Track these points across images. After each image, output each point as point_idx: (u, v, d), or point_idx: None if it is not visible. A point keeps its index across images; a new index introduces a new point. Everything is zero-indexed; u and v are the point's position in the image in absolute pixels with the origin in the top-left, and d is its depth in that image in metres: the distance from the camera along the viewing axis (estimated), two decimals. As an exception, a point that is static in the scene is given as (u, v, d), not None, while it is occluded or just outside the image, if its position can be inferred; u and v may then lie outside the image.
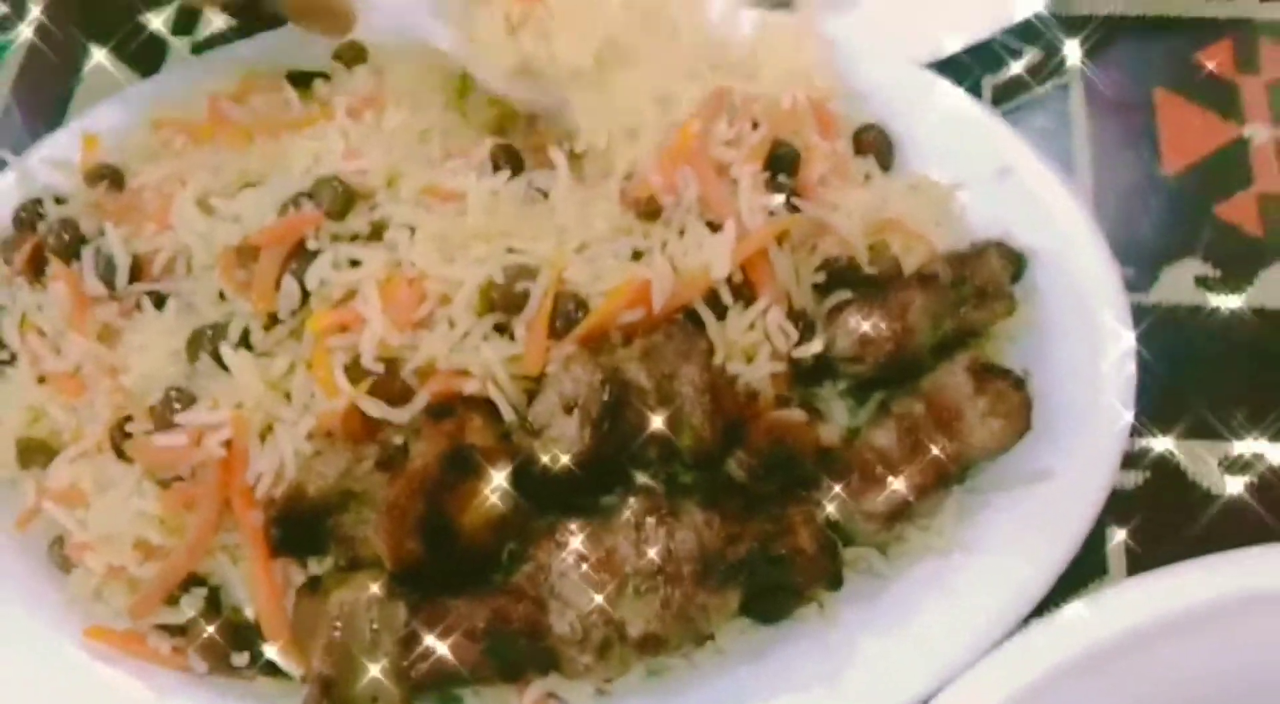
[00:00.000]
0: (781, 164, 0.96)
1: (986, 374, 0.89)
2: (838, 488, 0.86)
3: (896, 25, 1.12)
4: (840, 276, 0.92)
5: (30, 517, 0.91)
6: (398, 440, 0.84)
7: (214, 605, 0.86)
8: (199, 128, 1.04)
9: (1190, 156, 1.11)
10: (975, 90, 1.13)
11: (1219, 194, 1.09)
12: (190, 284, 0.93)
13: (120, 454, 0.89)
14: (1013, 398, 0.88)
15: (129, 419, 0.90)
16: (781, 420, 0.87)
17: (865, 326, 0.89)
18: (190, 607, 0.86)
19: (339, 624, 0.80)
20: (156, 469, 0.88)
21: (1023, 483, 0.89)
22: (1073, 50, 1.16)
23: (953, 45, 1.10)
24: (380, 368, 0.86)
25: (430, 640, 0.79)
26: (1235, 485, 0.96)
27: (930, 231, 0.98)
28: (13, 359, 0.97)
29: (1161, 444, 0.97)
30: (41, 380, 0.95)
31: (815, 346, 0.89)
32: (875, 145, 1.03)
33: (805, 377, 0.90)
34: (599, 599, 0.81)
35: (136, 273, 0.95)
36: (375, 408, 0.85)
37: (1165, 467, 0.97)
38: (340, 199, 0.91)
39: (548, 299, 0.87)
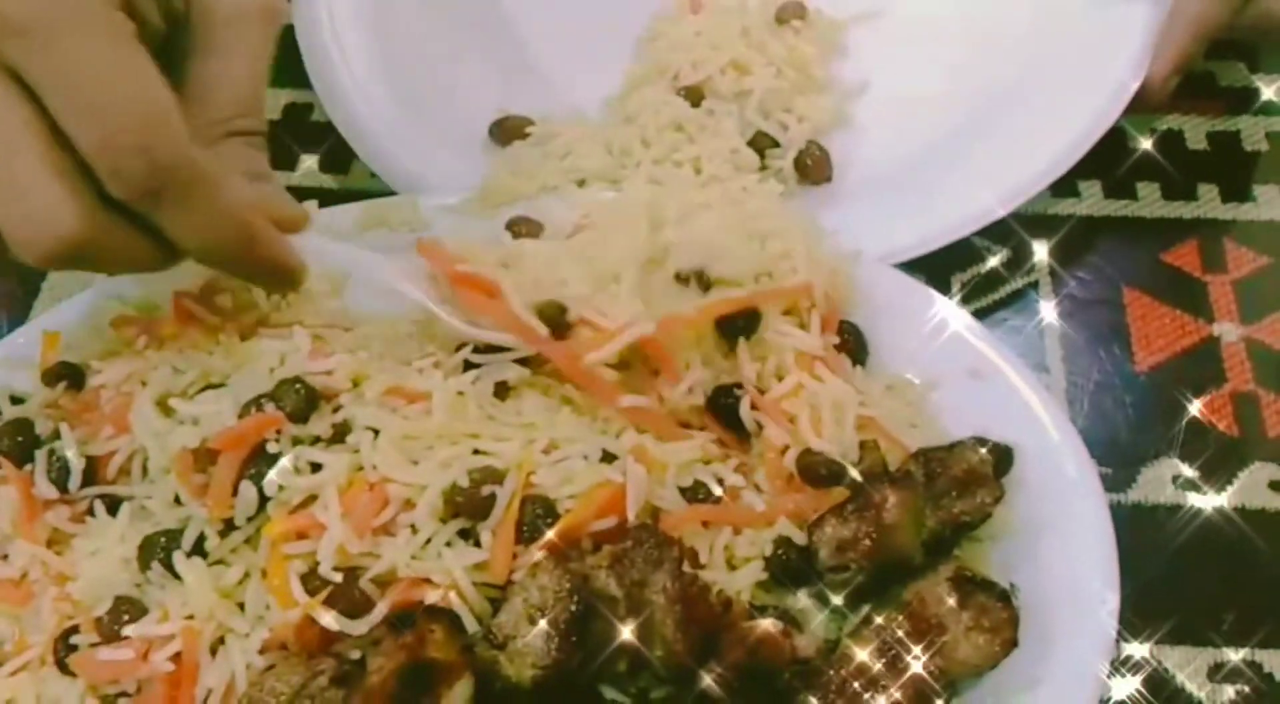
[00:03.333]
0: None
1: (971, 587, 0.86)
2: (816, 702, 0.83)
3: (868, 225, 1.12)
4: (824, 478, 0.90)
5: (-36, 735, 0.87)
6: (355, 654, 0.81)
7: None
8: (162, 326, 1.02)
9: (1161, 355, 1.11)
10: (945, 289, 1.13)
11: (1193, 393, 1.08)
12: (146, 488, 0.90)
13: (63, 668, 0.85)
14: (999, 613, 0.85)
15: (75, 630, 0.86)
16: (756, 631, 0.83)
17: (843, 533, 0.87)
18: None
19: None
20: (101, 684, 0.84)
21: (1008, 695, 0.86)
22: (1041, 250, 1.17)
23: (926, 246, 1.10)
24: (338, 577, 0.83)
25: None
26: (1226, 693, 0.93)
27: (905, 433, 0.96)
28: (-44, 565, 0.93)
29: (1148, 651, 0.95)
30: None
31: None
32: (849, 344, 1.02)
33: (784, 582, 0.87)
34: (566, 825, 0.77)
35: (91, 476, 0.92)
36: (332, 620, 0.81)
37: (1153, 676, 0.94)
38: (302, 401, 0.89)
39: (514, 504, 0.85)
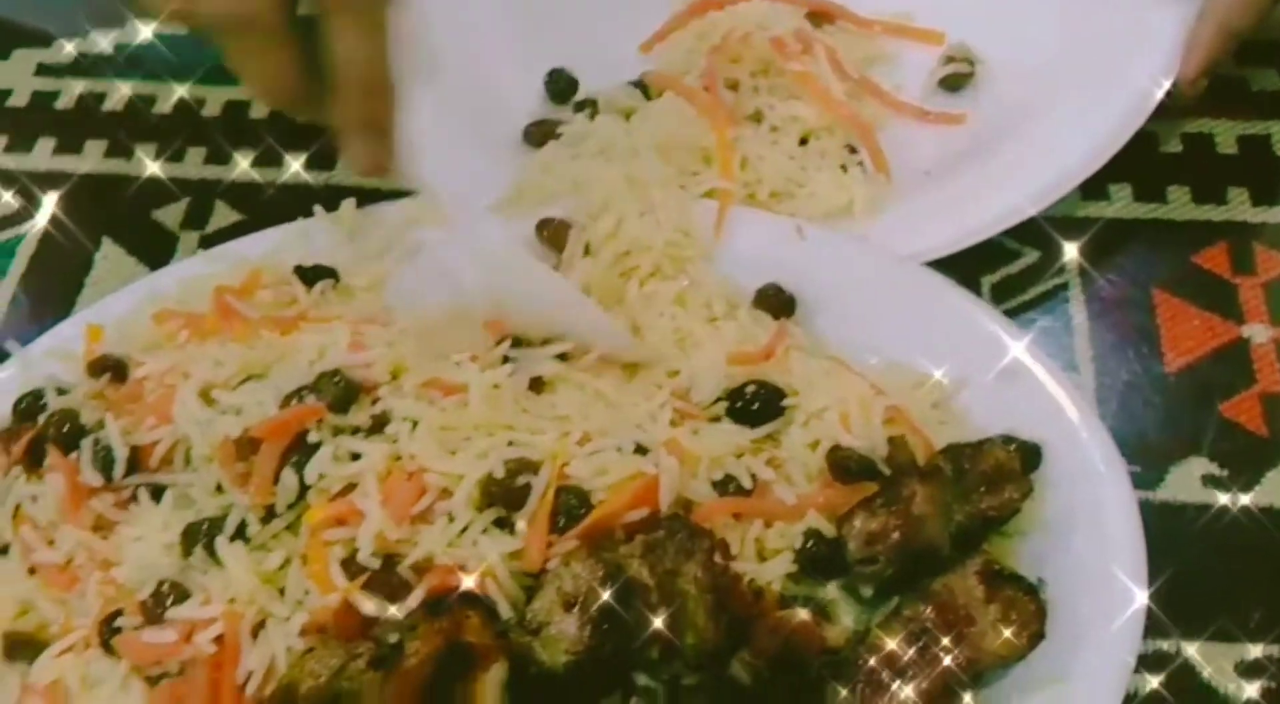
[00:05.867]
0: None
1: (999, 580, 0.87)
2: (845, 692, 0.84)
3: (898, 225, 1.14)
4: (853, 473, 0.92)
5: (11, 714, 0.89)
6: (392, 638, 0.82)
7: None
8: (203, 321, 1.04)
9: (1191, 356, 1.11)
10: (974, 289, 1.14)
11: (1221, 393, 1.08)
12: (188, 476, 0.92)
13: (108, 649, 0.87)
14: (1026, 606, 0.86)
15: (119, 613, 0.88)
16: (787, 621, 0.85)
17: (872, 525, 0.88)
18: (172, 811, 0.83)
19: (327, 822, 0.77)
20: (144, 665, 0.86)
21: (1034, 688, 0.86)
22: (1071, 251, 1.17)
23: (955, 246, 1.11)
24: (377, 563, 0.84)
25: None
26: (1252, 690, 0.93)
27: (934, 430, 0.97)
28: (4, 550, 0.96)
29: (1175, 647, 0.95)
30: (32, 572, 0.93)
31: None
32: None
33: (814, 573, 0.88)
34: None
35: (134, 464, 0.94)
36: (370, 605, 0.83)
37: (1180, 671, 0.94)
38: (342, 393, 0.91)
39: (549, 494, 0.86)
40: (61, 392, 1.01)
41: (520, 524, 0.86)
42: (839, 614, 0.89)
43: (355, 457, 0.89)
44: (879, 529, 0.88)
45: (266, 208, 1.26)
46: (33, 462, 0.97)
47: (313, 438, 0.89)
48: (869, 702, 0.84)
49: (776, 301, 1.07)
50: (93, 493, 0.94)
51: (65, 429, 0.96)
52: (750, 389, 0.97)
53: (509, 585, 0.85)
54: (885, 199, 1.19)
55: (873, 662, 0.85)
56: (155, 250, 1.27)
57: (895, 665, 0.85)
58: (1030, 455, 0.95)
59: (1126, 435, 1.03)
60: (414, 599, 0.83)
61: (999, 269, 1.17)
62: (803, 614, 0.85)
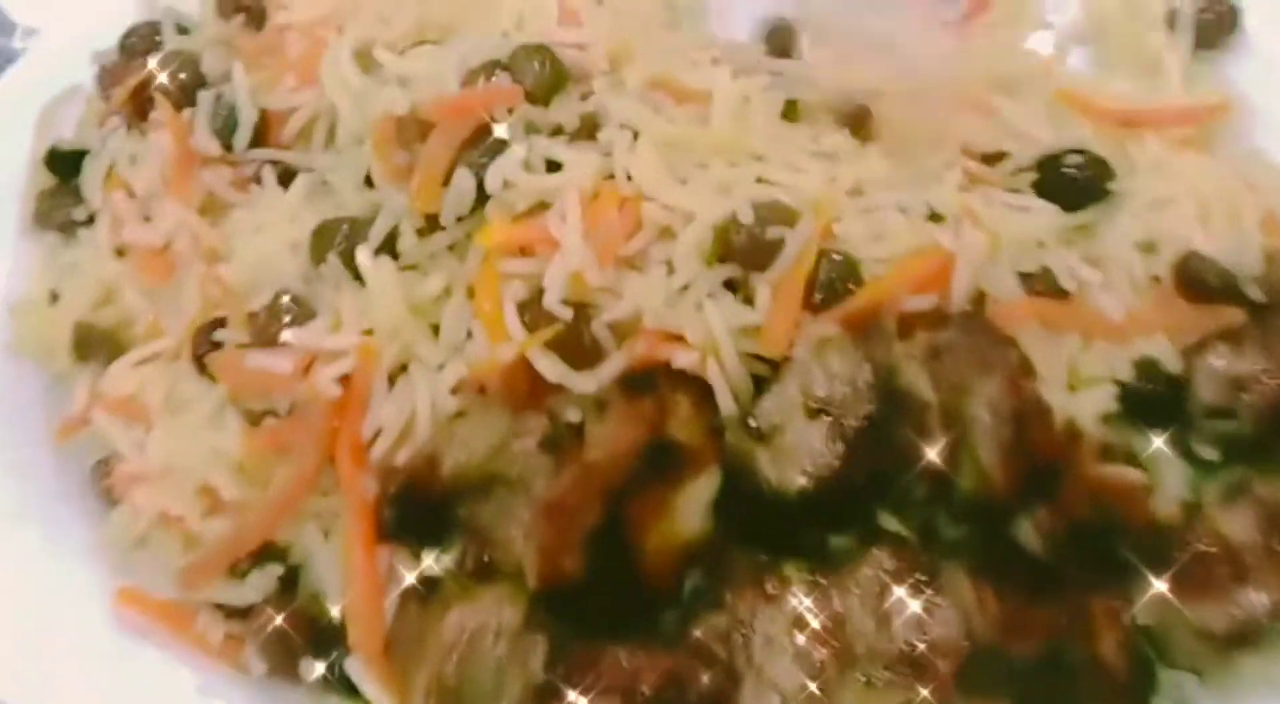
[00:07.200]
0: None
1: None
2: (1165, 584, 0.63)
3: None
4: (1211, 290, 0.69)
5: (74, 427, 0.74)
6: (574, 416, 0.65)
7: (289, 590, 0.68)
8: (369, -33, 0.83)
9: None
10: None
11: None
12: (330, 159, 0.74)
13: (202, 367, 0.70)
14: None
15: (221, 322, 0.71)
16: (1111, 479, 0.63)
17: (1238, 365, 0.66)
18: (259, 586, 0.67)
19: (455, 652, 0.62)
20: (245, 396, 0.69)
21: None
22: None
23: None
24: (568, 313, 0.65)
25: (574, 698, 0.62)
26: None
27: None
28: (90, 220, 0.79)
29: None
30: (121, 253, 0.77)
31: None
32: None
33: (1141, 417, 0.67)
34: (815, 685, 0.61)
35: (262, 134, 0.76)
36: (552, 367, 0.64)
37: None
38: (546, 77, 0.71)
39: (808, 256, 0.66)
40: (183, 31, 0.84)
41: (763, 291, 0.66)
42: (1164, 477, 0.67)
43: (554, 167, 0.68)
44: (1245, 372, 0.66)
45: None
46: (137, 112, 0.80)
47: (500, 132, 0.69)
48: (1195, 601, 0.63)
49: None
50: (206, 163, 0.76)
51: (181, 76, 0.79)
52: (1072, 157, 0.74)
53: (737, 370, 0.66)
54: None
55: (1209, 549, 0.63)
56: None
57: (1238, 559, 0.64)
58: None
59: None
60: (610, 368, 0.65)
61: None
62: (1133, 473, 0.64)
